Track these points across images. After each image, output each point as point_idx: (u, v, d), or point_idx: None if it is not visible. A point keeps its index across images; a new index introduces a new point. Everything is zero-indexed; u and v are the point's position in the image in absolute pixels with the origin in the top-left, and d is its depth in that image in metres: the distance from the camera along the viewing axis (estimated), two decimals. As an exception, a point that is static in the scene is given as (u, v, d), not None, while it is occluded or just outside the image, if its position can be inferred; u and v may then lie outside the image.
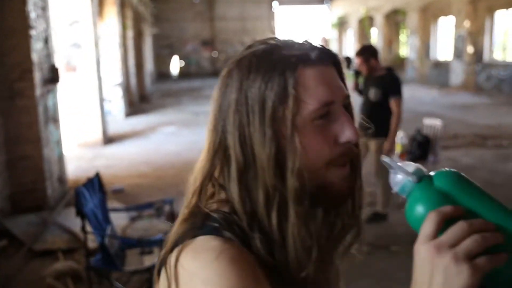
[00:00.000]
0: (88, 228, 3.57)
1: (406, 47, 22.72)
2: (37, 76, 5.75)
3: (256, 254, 0.87)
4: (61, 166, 6.49)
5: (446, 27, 19.67)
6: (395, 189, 0.84)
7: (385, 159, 0.90)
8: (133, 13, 17.96)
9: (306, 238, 0.88)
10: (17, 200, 5.63)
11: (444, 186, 0.77)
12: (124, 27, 14.65)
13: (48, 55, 6.25)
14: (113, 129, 11.07)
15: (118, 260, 3.48)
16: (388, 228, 5.08)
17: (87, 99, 9.70)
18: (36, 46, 5.79)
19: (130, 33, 16.48)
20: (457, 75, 17.95)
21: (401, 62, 22.94)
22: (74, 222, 4.38)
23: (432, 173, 0.80)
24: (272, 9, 31.98)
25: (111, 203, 5.31)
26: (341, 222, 0.99)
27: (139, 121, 13.06)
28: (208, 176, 0.94)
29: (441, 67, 19.47)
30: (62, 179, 6.29)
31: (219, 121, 0.92)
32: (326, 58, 0.94)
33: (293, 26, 33.94)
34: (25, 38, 5.61)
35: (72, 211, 3.90)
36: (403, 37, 23.51)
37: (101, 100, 9.83)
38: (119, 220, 4.80)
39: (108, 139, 10.17)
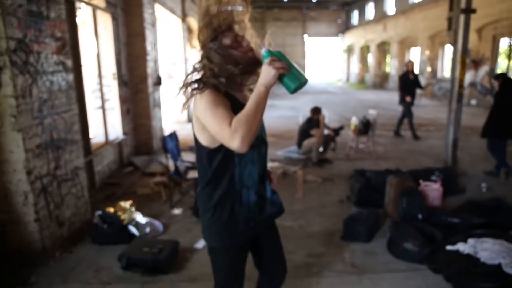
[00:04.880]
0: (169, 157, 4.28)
1: (390, 67, 22.40)
2: (150, 81, 6.54)
3: (222, 92, 1.45)
4: (161, 131, 7.10)
5: (415, 54, 19.39)
6: (262, 52, 1.41)
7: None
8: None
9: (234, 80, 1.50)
10: (137, 148, 6.50)
11: (274, 53, 1.38)
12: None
13: (156, 70, 7.00)
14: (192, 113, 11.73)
15: (184, 174, 4.23)
16: (335, 170, 5.63)
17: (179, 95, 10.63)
18: (150, 65, 6.56)
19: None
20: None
21: (386, 76, 22.83)
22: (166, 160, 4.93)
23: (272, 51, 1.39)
24: (304, 39, 31.72)
25: (187, 154, 5.88)
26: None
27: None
28: (202, 71, 1.53)
29: (411, 80, 19.34)
30: (161, 138, 7.16)
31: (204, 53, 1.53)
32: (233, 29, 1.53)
33: (317, 50, 33.62)
34: (144, 61, 6.40)
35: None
36: (388, 59, 23.15)
37: (187, 96, 10.49)
38: (189, 157, 5.19)
39: (190, 119, 10.84)
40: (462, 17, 4.76)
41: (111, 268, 2.99)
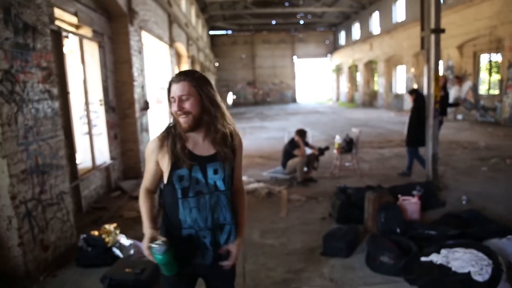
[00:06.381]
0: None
1: (377, 85, 22.84)
2: (137, 106, 6.70)
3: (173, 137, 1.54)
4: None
5: (401, 72, 19.82)
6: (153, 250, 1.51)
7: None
8: (200, 66, 18.63)
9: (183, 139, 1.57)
10: (126, 172, 6.59)
11: (156, 257, 1.51)
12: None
13: (143, 95, 7.19)
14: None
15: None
16: (320, 188, 5.77)
17: (167, 119, 10.65)
18: (137, 90, 6.73)
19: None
20: (408, 103, 18.06)
21: (374, 94, 23.34)
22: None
23: (162, 250, 1.48)
24: (293, 61, 32.38)
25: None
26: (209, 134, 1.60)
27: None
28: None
29: (398, 98, 19.69)
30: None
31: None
32: (180, 78, 1.51)
33: (306, 71, 34.29)
34: (131, 86, 6.56)
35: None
36: (375, 78, 23.62)
37: (177, 119, 10.60)
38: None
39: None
40: (432, 37, 5.03)
41: (94, 290, 3.06)
